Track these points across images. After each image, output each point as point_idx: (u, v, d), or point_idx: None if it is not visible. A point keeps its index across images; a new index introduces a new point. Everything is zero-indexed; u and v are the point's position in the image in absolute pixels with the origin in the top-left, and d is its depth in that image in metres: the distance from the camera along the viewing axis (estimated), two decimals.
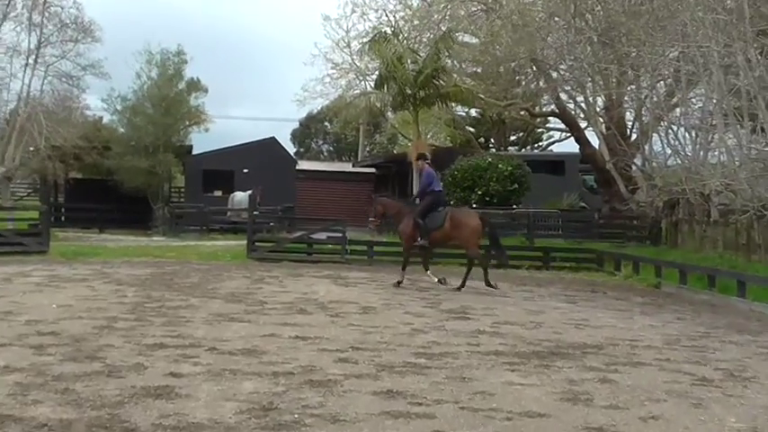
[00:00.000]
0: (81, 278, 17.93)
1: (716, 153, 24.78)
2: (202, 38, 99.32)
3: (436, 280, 18.67)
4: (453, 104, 39.68)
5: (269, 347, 10.27)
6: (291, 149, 62.11)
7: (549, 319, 14.11)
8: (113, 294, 15.32)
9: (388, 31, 35.67)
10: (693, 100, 26.56)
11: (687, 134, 26.07)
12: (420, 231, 18.71)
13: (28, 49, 33.40)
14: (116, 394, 7.68)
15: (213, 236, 33.58)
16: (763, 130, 21.58)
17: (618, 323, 14.09)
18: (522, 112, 39.48)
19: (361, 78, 41.49)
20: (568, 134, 37.59)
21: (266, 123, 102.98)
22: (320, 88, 43.32)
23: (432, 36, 34.97)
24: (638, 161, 30.04)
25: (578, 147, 34.37)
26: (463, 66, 38.20)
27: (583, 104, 32.64)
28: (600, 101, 32.84)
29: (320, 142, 77.63)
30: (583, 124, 34.21)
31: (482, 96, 35.63)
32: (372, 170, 47.66)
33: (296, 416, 7.22)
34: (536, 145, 58.13)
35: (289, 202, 38.39)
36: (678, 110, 27.42)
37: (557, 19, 31.10)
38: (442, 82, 33.20)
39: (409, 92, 32.93)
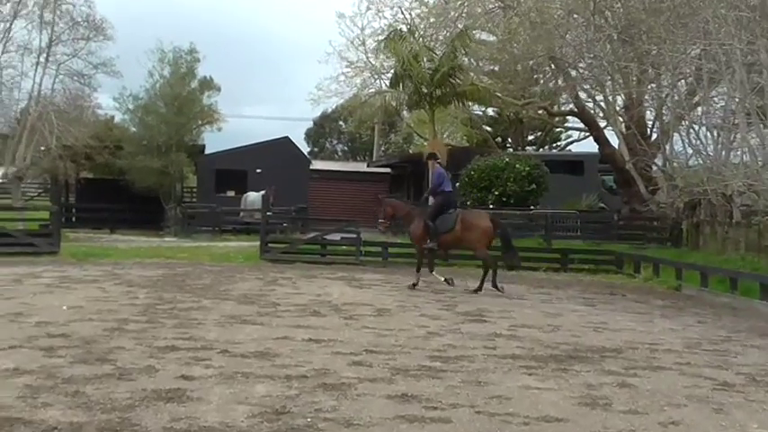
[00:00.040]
0: (92, 279, 17.99)
1: (738, 153, 24.69)
2: (215, 36, 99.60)
3: (443, 279, 18.69)
4: (470, 103, 39.61)
5: (282, 350, 10.28)
6: (305, 149, 62.30)
7: (566, 322, 14.07)
8: (124, 296, 15.37)
9: (404, 28, 35.68)
10: (715, 99, 26.48)
11: (709, 133, 25.97)
12: (429, 233, 18.69)
13: (39, 47, 33.49)
14: (127, 397, 7.70)
15: (226, 237, 33.65)
16: None
17: (637, 326, 14.04)
18: (540, 111, 39.43)
19: (376, 77, 41.59)
20: (587, 134, 37.51)
21: (280, 123, 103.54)
22: (335, 87, 43.43)
23: (448, 34, 34.95)
24: (658, 161, 29.94)
25: (597, 146, 34.29)
26: (480, 64, 38.20)
27: (602, 103, 32.54)
28: (619, 100, 32.75)
29: (335, 142, 77.77)
30: (602, 123, 34.14)
31: (499, 95, 35.60)
32: (387, 170, 47.70)
33: (309, 420, 7.22)
34: (554, 145, 57.96)
35: (302, 202, 38.45)
36: (700, 109, 27.31)
37: (575, 16, 31.05)
38: (458, 80, 33.19)
39: (425, 90, 32.93)
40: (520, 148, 48.64)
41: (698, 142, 26.32)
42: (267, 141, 42.04)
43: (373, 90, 40.79)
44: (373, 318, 13.70)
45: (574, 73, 33.32)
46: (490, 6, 33.93)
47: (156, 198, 37.49)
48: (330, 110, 60.63)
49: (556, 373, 9.59)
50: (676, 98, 28.13)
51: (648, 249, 27.11)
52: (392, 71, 35.73)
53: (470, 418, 7.50)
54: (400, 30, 35.20)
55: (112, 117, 43.54)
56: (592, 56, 30.82)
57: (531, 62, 34.46)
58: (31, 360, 9.21)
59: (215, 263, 23.33)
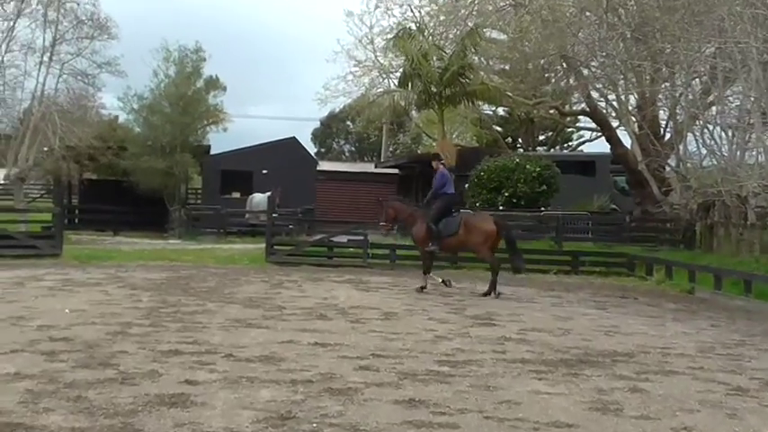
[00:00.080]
0: (95, 282, 18.02)
1: (753, 153, 24.67)
2: (221, 35, 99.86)
3: (440, 281, 18.70)
4: (480, 103, 39.67)
5: (287, 354, 10.29)
6: (312, 149, 62.35)
7: (577, 326, 14.05)
8: (128, 299, 15.39)
9: (413, 27, 35.74)
10: (730, 98, 26.43)
11: (723, 133, 25.94)
12: (432, 237, 18.70)
13: (43, 46, 33.58)
14: (130, 402, 7.71)
15: (231, 239, 33.72)
16: None
17: (649, 330, 14.03)
18: (552, 111, 39.42)
19: (384, 76, 41.60)
20: (599, 134, 37.47)
21: (286, 123, 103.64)
22: (342, 86, 43.42)
23: (458, 32, 34.96)
24: (671, 162, 29.91)
25: (609, 147, 34.26)
26: (491, 63, 38.22)
27: (615, 103, 32.51)
28: (632, 99, 32.74)
29: (342, 142, 77.86)
30: (614, 123, 34.10)
31: (510, 94, 35.60)
32: (396, 171, 47.69)
33: (314, 425, 7.23)
34: (566, 145, 57.98)
35: (309, 203, 38.51)
36: (714, 108, 27.30)
37: (588, 14, 31.02)
38: (468, 79, 33.23)
39: (434, 90, 32.96)
40: (530, 148, 48.65)
41: (712, 142, 26.30)
42: (273, 142, 42.16)
43: (381, 89, 40.81)
44: (380, 321, 13.70)
45: (586, 72, 33.29)
46: (501, 4, 33.93)
47: (161, 199, 37.54)
48: (337, 110, 60.58)
49: (566, 378, 9.59)
50: (690, 97, 28.11)
51: (661, 251, 27.06)
52: (401, 70, 35.76)
53: (479, 424, 7.50)
54: (409, 28, 35.26)
55: (116, 117, 43.72)
56: (604, 54, 30.79)
57: (542, 61, 34.44)
58: (32, 364, 9.22)
59: (220, 265, 23.35)
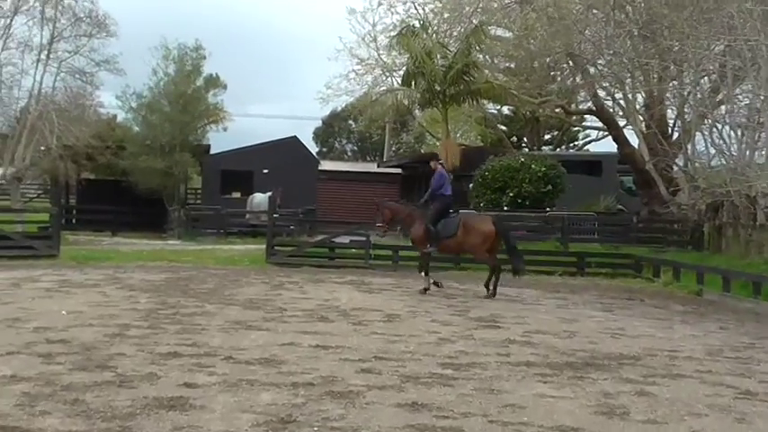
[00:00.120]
0: (92, 283, 18.04)
1: (763, 152, 24.63)
2: (221, 33, 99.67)
3: (432, 281, 18.75)
4: (484, 101, 39.66)
5: (288, 357, 10.30)
6: (314, 149, 62.34)
7: (583, 328, 14.06)
8: (126, 300, 15.41)
9: (417, 24, 35.75)
10: (740, 96, 26.39)
11: (732, 133, 25.89)
12: (430, 238, 18.74)
13: (40, 44, 33.59)
14: (127, 405, 7.72)
15: (231, 239, 33.71)
16: None
17: (656, 333, 14.03)
18: (558, 110, 39.39)
19: (387, 74, 41.60)
20: (606, 133, 37.50)
21: (288, 122, 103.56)
22: (344, 85, 43.43)
23: (463, 30, 34.97)
24: (679, 161, 29.86)
25: (616, 146, 34.26)
26: (495, 61, 38.21)
27: (622, 101, 32.48)
28: (640, 98, 32.70)
29: (344, 141, 77.85)
30: (621, 122, 34.11)
31: (515, 93, 35.56)
32: (398, 171, 47.70)
33: (316, 429, 7.23)
34: (571, 144, 57.98)
35: (310, 204, 38.52)
36: (723, 107, 27.25)
37: (595, 11, 30.99)
38: (472, 78, 33.23)
39: (438, 88, 32.97)
40: (536, 147, 48.69)
41: (721, 142, 26.25)
42: (274, 141, 42.14)
43: (384, 88, 40.75)
44: (383, 323, 13.71)
45: (592, 70, 33.26)
46: (506, 1, 33.91)
47: (160, 199, 37.54)
48: (340, 108, 60.56)
49: (572, 381, 9.59)
50: (699, 96, 28.05)
51: (668, 253, 27.02)
52: (404, 68, 35.77)
53: (483, 428, 7.50)
54: (413, 26, 35.27)
55: (115, 116, 43.72)
56: (611, 52, 30.74)
57: (548, 59, 34.44)
58: (29, 367, 9.23)
59: (220, 266, 23.37)
